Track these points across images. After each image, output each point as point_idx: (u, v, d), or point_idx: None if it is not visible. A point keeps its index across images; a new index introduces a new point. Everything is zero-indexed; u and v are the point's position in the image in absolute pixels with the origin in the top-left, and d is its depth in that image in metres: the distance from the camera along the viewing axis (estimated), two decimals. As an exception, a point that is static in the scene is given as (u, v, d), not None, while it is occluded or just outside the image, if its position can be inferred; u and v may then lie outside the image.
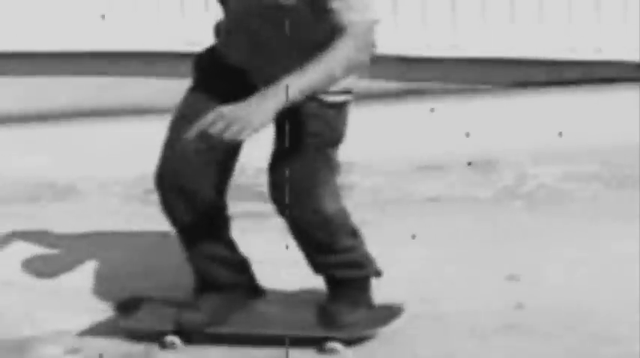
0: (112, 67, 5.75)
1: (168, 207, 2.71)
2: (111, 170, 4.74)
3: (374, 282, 2.87)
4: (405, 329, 2.80)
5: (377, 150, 4.54)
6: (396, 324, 2.78)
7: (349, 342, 2.72)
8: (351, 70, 2.43)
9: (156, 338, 2.79)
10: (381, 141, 4.60)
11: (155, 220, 3.09)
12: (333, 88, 2.55)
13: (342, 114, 2.70)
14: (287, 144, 2.65)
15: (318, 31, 2.44)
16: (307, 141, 2.64)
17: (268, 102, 2.33)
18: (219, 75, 2.71)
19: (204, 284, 2.82)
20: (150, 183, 2.79)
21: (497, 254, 3.43)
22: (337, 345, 2.69)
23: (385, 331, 2.76)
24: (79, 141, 5.34)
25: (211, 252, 2.78)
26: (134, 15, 5.62)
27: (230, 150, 2.66)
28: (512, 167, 4.47)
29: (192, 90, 2.73)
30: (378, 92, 5.36)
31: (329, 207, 2.69)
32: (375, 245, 2.91)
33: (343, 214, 2.78)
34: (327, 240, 2.73)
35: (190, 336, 2.78)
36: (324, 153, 2.68)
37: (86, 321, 3.09)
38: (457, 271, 3.28)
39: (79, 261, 3.53)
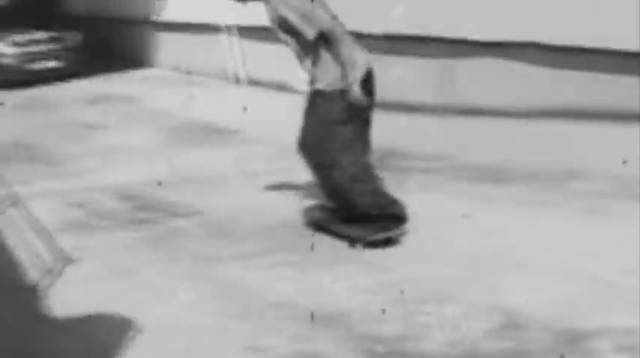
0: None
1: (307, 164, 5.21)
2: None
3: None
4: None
5: None
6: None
7: (357, 243, 5.07)
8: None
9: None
10: None
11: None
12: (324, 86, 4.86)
13: (332, 102, 4.77)
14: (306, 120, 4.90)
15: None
16: (315, 117, 4.85)
17: None
18: None
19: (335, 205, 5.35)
20: None
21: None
22: (360, 246, 5.12)
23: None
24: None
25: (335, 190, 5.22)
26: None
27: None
28: None
29: None
30: None
31: (341, 158, 4.75)
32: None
33: (357, 165, 4.78)
34: (344, 185, 4.85)
35: (317, 227, 5.45)
36: (329, 124, 4.77)
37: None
38: None
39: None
